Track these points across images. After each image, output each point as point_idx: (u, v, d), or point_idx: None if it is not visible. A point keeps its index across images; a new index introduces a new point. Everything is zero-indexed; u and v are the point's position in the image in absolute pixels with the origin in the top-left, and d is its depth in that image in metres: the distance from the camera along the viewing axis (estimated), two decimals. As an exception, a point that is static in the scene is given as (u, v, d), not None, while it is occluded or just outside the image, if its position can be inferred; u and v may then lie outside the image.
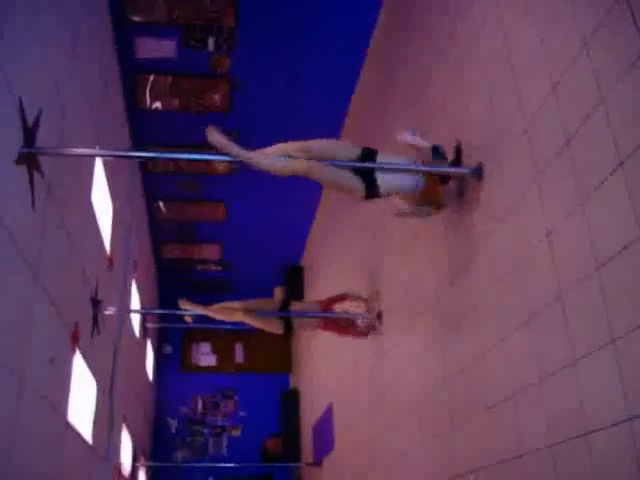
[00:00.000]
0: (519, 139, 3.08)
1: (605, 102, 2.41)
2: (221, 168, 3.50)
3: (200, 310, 5.69)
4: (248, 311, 5.53)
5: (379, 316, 5.49)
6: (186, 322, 6.25)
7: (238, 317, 5.56)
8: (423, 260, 4.42)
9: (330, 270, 8.21)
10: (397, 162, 3.66)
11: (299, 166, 3.45)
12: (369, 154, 3.62)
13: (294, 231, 9.76)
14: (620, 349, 2.28)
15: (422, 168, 3.65)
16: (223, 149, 3.40)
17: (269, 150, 3.52)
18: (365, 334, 5.69)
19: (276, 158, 3.46)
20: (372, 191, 3.59)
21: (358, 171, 3.55)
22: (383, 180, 3.58)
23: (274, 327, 5.61)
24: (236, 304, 5.61)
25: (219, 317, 5.64)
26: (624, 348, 2.26)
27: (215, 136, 3.40)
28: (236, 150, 3.39)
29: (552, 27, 2.82)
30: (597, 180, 2.45)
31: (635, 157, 2.23)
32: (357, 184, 3.56)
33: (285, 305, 5.72)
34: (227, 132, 7.06)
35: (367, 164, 3.56)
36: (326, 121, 7.04)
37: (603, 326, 2.38)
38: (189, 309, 5.74)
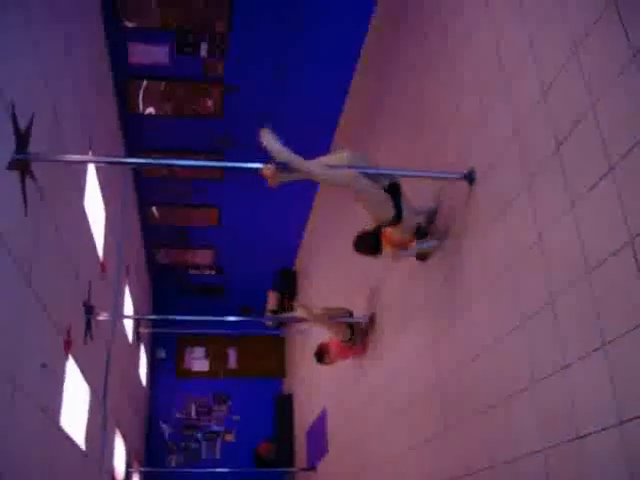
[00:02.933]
0: (510, 142, 3.10)
1: (595, 106, 2.43)
2: (268, 173, 3.48)
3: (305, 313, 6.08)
4: (323, 315, 5.96)
5: (372, 318, 5.53)
6: (267, 325, 6.48)
7: (313, 318, 6.04)
8: (416, 263, 4.43)
9: (323, 274, 8.22)
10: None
11: (347, 176, 3.63)
12: (395, 186, 3.89)
13: (287, 235, 9.76)
14: (611, 353, 2.30)
15: (421, 174, 4.08)
16: (275, 153, 3.42)
17: (317, 160, 3.68)
18: (363, 348, 5.85)
19: (326, 167, 3.63)
20: (398, 213, 3.84)
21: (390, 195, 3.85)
22: (404, 207, 3.87)
23: (342, 334, 5.90)
24: (313, 308, 6.19)
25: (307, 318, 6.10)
26: (615, 352, 2.28)
27: (269, 139, 3.40)
28: (289, 155, 3.43)
29: (543, 31, 2.84)
30: (588, 184, 2.46)
31: (625, 161, 2.25)
32: (389, 205, 3.82)
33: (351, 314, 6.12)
34: (220, 136, 7.07)
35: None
36: (318, 126, 7.05)
37: (594, 330, 2.40)
38: (303, 310, 6.11)
